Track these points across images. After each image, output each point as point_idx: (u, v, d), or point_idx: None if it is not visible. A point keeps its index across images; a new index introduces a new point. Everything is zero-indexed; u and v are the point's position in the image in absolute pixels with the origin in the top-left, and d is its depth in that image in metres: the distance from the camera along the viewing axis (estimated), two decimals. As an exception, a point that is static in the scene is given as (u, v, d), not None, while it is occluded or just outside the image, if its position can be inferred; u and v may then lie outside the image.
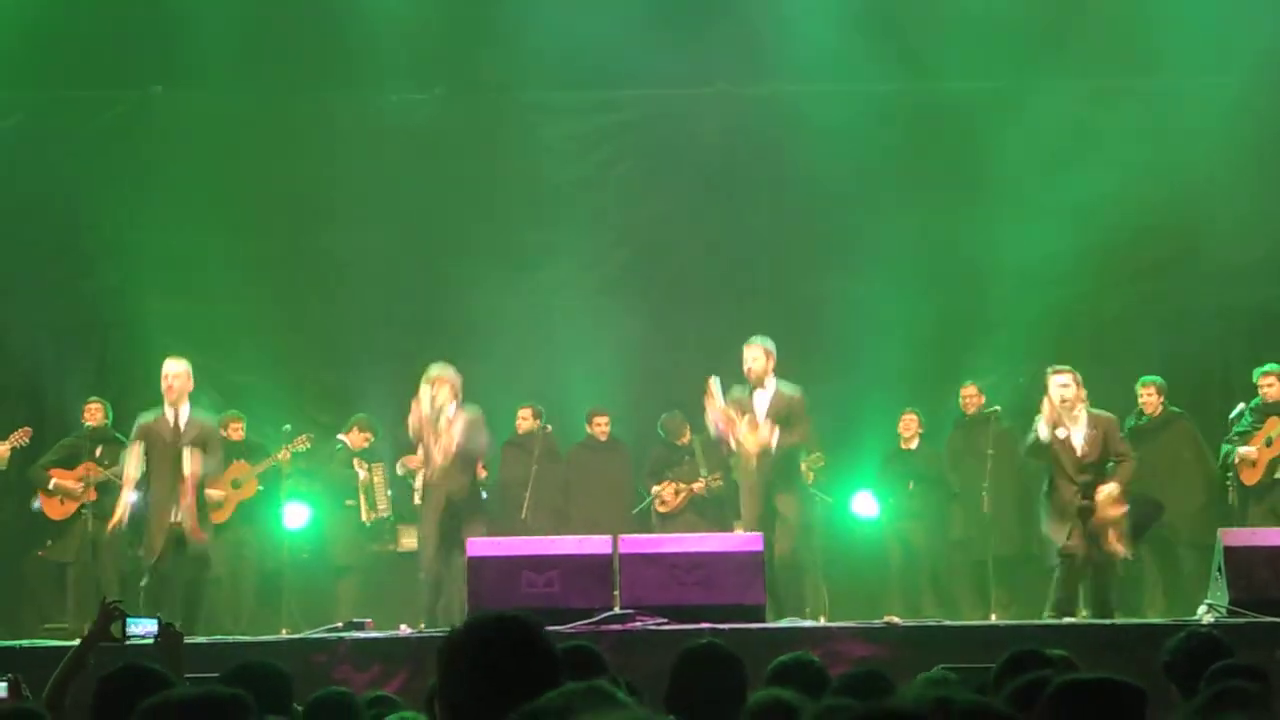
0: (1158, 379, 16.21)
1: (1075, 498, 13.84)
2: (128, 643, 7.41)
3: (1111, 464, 14.03)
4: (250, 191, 17.79)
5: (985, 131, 17.83)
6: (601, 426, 17.19)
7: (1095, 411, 14.09)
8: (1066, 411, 13.89)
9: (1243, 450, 15.44)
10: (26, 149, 17.57)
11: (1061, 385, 13.93)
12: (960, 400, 16.89)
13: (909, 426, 16.91)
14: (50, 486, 15.68)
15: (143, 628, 7.56)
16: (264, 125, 17.98)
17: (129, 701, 5.05)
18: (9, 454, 15.52)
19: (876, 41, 17.67)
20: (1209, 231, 17.59)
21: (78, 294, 17.91)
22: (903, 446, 16.94)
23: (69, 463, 15.70)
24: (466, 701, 3.93)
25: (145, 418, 14.23)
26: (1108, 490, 13.80)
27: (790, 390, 14.41)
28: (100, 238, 17.71)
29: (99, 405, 15.84)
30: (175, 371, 14.22)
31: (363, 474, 16.56)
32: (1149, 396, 16.13)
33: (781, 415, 14.27)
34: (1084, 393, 14.03)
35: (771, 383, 14.31)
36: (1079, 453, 13.91)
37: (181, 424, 14.14)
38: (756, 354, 14.31)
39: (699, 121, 18.40)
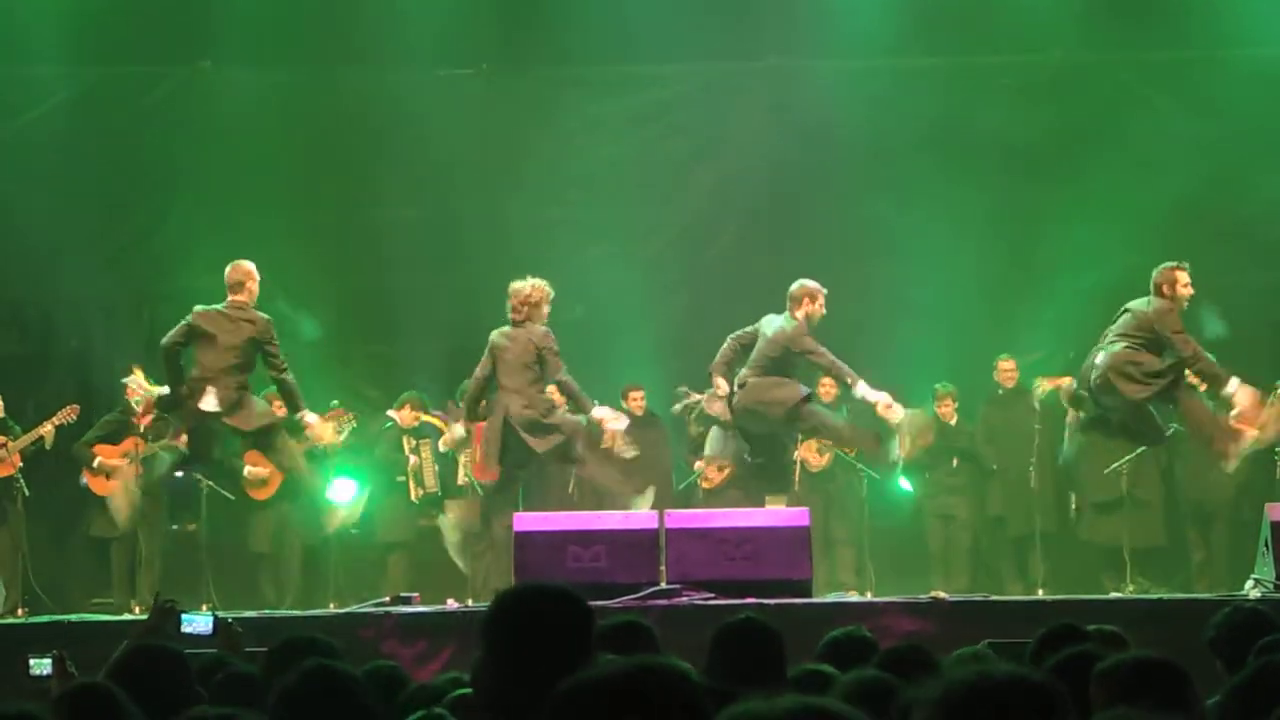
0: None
1: None
2: (183, 638, 7.40)
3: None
4: (298, 166, 17.82)
5: (1033, 105, 17.83)
6: (636, 401, 17.13)
7: None
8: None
9: None
10: (76, 124, 17.62)
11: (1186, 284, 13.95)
12: (996, 373, 16.85)
13: (947, 403, 16.89)
14: (95, 465, 15.76)
15: (198, 625, 7.53)
16: (312, 100, 18.02)
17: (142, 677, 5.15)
18: (54, 432, 15.60)
19: (926, 15, 17.66)
20: (1259, 206, 17.48)
21: (126, 269, 18.00)
22: (946, 422, 16.91)
23: (113, 438, 15.78)
24: (509, 673, 3.93)
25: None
26: None
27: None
28: (148, 213, 17.82)
29: (137, 377, 15.89)
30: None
31: (413, 458, 16.55)
32: None
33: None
34: None
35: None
36: None
37: None
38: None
39: (748, 96, 18.37)
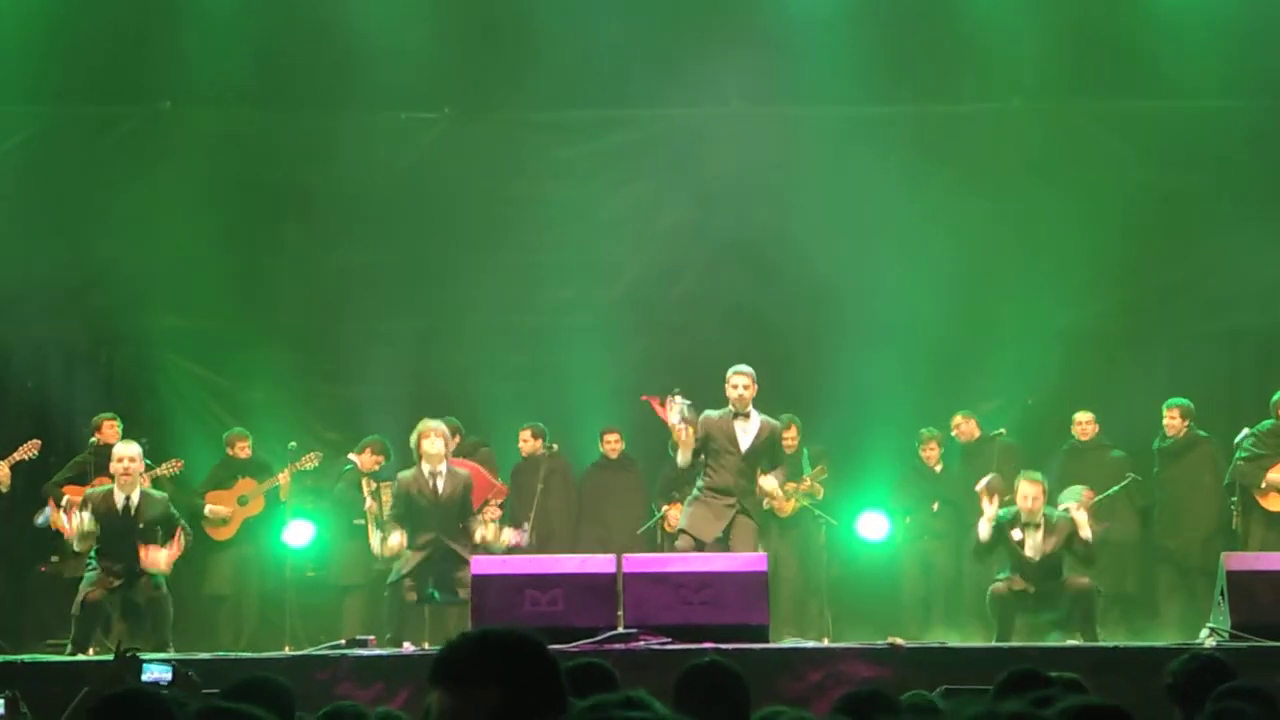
0: (1183, 402, 16.25)
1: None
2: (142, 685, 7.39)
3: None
4: (258, 208, 17.78)
5: (995, 154, 17.91)
6: (612, 444, 17.19)
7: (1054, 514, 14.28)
8: (1030, 516, 14.10)
9: (1274, 476, 15.43)
10: (35, 164, 17.56)
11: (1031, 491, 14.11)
12: (952, 430, 16.91)
13: (932, 448, 16.91)
14: (64, 503, 15.67)
15: (157, 674, 7.56)
16: (273, 142, 17.97)
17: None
18: (9, 475, 15.47)
19: (891, 63, 17.71)
20: (1218, 254, 17.58)
21: (85, 310, 17.91)
22: (931, 467, 16.93)
23: (81, 480, 15.68)
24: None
25: (93, 492, 14.12)
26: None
27: (772, 421, 14.44)
28: (108, 253, 17.70)
29: (113, 422, 15.81)
30: (130, 454, 14.09)
31: (370, 500, 16.48)
32: (1172, 420, 16.22)
33: (765, 447, 14.29)
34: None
35: (753, 413, 14.28)
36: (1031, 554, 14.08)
37: (133, 507, 14.00)
38: (746, 381, 14.24)
39: (713, 141, 18.38)
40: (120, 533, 13.91)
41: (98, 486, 14.18)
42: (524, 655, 3.85)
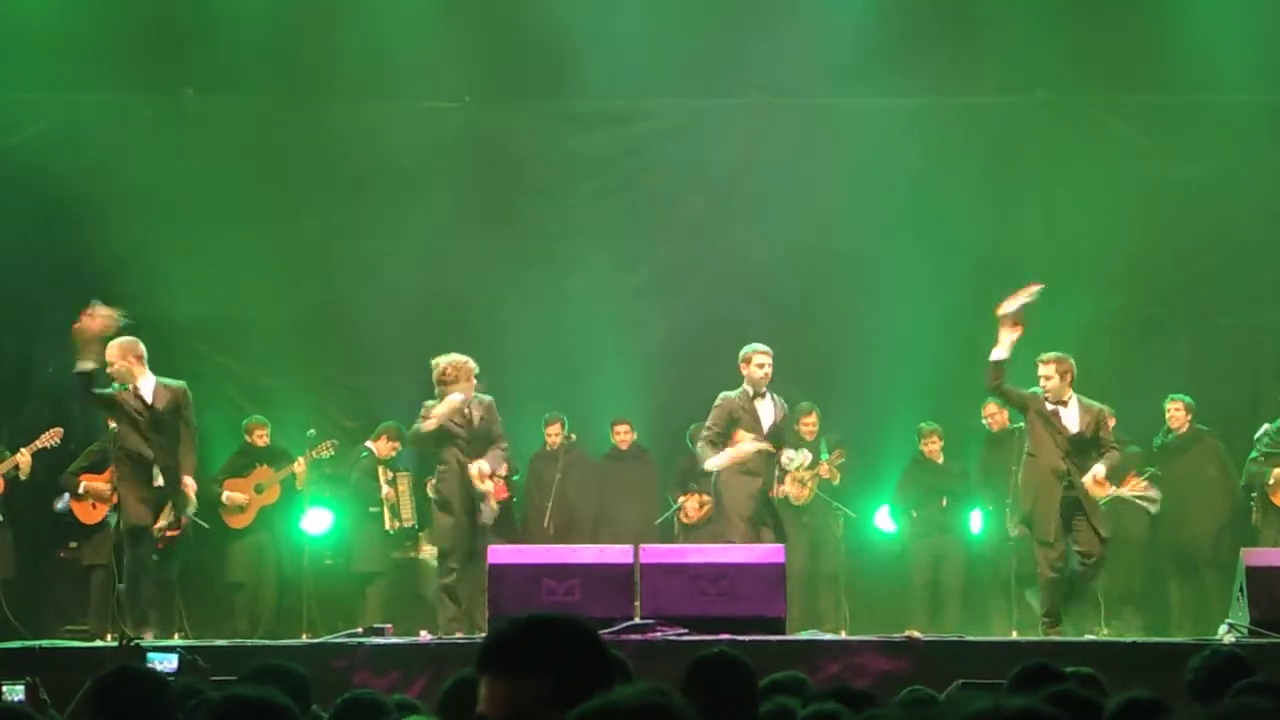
0: (1185, 397, 16.31)
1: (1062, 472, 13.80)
2: None
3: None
4: (279, 196, 17.79)
5: (1016, 146, 17.88)
6: (623, 435, 17.20)
7: (1087, 401, 14.08)
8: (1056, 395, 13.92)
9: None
10: (57, 151, 17.53)
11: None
12: (984, 419, 16.87)
13: (934, 441, 16.89)
14: (81, 490, 15.69)
15: (163, 663, 7.58)
16: (294, 130, 17.98)
17: (123, 700, 5.09)
18: (30, 462, 15.48)
19: (908, 55, 17.65)
20: (1239, 249, 17.55)
21: (106, 297, 17.85)
22: (933, 460, 16.91)
23: (98, 467, 15.68)
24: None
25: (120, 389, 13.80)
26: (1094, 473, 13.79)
27: (783, 401, 14.51)
28: (129, 241, 17.70)
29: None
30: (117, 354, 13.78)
31: (387, 488, 16.50)
32: (1176, 413, 16.27)
33: (784, 425, 14.41)
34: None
35: (767, 392, 14.35)
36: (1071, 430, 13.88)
37: (147, 396, 13.74)
38: (770, 360, 14.27)
39: (731, 131, 18.37)
40: (150, 424, 13.67)
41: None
42: (579, 642, 3.69)
